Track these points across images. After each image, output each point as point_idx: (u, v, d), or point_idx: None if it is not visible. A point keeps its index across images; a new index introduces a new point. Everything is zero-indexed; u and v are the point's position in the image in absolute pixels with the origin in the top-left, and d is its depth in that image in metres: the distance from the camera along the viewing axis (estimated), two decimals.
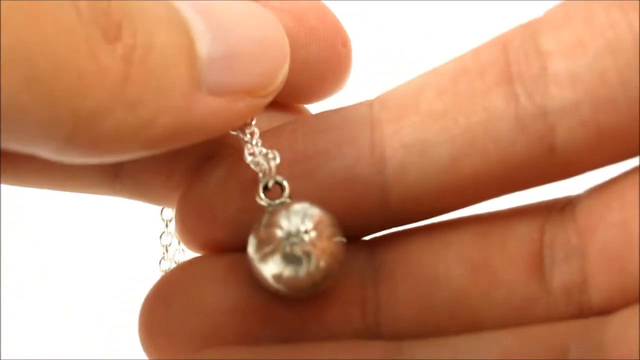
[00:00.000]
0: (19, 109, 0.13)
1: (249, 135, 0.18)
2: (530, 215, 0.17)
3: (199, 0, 0.16)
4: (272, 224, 0.17)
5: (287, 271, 0.17)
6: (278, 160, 0.18)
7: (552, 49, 0.16)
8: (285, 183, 0.18)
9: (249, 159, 0.18)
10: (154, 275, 0.19)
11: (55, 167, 0.18)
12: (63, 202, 0.42)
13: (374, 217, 0.18)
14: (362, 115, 0.18)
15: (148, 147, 0.15)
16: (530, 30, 0.17)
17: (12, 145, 0.14)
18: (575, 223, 0.17)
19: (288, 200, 0.17)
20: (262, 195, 0.18)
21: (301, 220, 0.17)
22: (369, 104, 0.18)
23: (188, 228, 0.19)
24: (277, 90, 0.17)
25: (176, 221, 0.19)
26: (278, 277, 0.17)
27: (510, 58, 0.17)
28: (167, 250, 0.21)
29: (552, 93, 0.16)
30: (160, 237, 0.22)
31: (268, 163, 0.18)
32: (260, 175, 0.18)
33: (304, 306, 0.18)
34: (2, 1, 0.12)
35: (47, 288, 0.42)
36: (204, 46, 0.16)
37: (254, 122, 0.18)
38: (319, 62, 0.19)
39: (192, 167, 0.19)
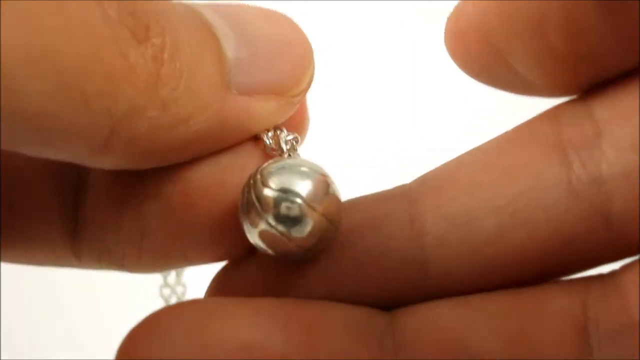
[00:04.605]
0: (51, 114, 0.12)
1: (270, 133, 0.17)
2: (568, 290, 0.16)
3: (219, 3, 0.16)
4: (265, 183, 0.16)
5: (279, 231, 0.15)
6: (290, 137, 0.17)
7: (607, 116, 0.16)
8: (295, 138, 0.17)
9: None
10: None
11: (13, 230, 0.17)
12: None
13: (411, 292, 0.17)
14: (399, 194, 0.17)
15: (185, 149, 0.15)
16: (583, 101, 0.16)
17: (47, 152, 0.13)
18: (623, 299, 0.15)
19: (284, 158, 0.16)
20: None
21: (293, 180, 0.16)
22: (404, 185, 0.17)
23: None
24: (307, 90, 0.17)
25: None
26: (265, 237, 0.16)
27: (562, 127, 0.16)
28: (168, 302, 0.21)
29: (609, 159, 0.15)
30: (160, 289, 0.21)
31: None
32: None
33: None
34: (27, 6, 0.12)
35: (47, 288, 0.41)
36: (229, 47, 0.16)
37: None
38: None
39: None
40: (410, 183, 0.17)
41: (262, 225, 0.15)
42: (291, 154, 0.17)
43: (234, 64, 0.15)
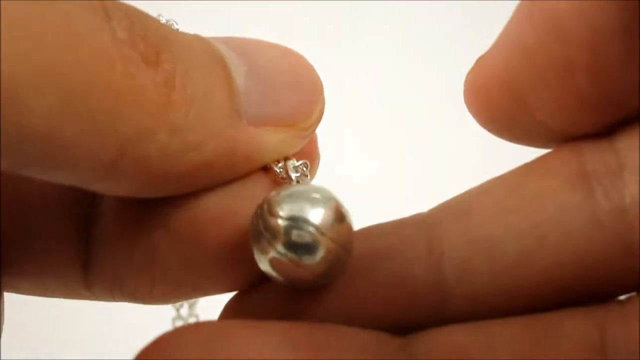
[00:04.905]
0: (58, 132, 0.12)
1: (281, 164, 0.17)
2: (586, 315, 0.16)
3: (229, 37, 0.16)
4: (273, 212, 0.15)
5: (290, 260, 0.15)
6: (299, 163, 0.17)
7: (629, 146, 0.16)
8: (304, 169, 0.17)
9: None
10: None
11: (27, 261, 0.17)
12: None
13: (430, 317, 0.16)
14: (417, 221, 0.17)
15: (194, 177, 0.15)
16: (604, 133, 0.16)
17: (53, 174, 0.13)
18: None
19: (293, 183, 0.16)
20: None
21: (300, 207, 0.15)
22: (422, 212, 0.17)
23: None
24: (316, 124, 0.17)
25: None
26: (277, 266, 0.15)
27: (585, 157, 0.16)
28: None
29: (631, 189, 0.15)
30: (173, 322, 0.21)
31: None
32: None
33: None
34: (35, 21, 0.12)
35: (55, 322, 0.41)
36: (240, 78, 0.16)
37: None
38: None
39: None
40: (429, 211, 0.17)
41: (272, 253, 0.15)
42: (299, 180, 0.17)
43: (244, 95, 0.16)
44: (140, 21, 0.14)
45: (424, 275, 0.16)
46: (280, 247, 0.15)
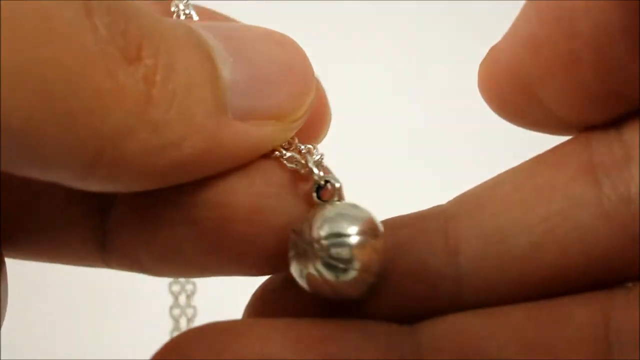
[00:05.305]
0: (36, 130, 0.12)
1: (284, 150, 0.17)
2: (590, 301, 0.16)
3: (218, 24, 0.16)
4: (313, 233, 0.16)
5: (325, 276, 0.16)
6: (317, 157, 0.17)
7: (636, 139, 0.16)
8: (336, 183, 0.16)
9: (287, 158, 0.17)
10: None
11: (42, 240, 0.17)
12: None
13: (446, 307, 0.17)
14: (435, 213, 0.17)
15: (176, 173, 0.15)
16: (613, 125, 0.16)
17: (32, 171, 0.13)
18: None
19: (334, 201, 0.16)
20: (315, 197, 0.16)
21: (342, 225, 0.16)
22: (440, 205, 0.18)
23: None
24: (306, 116, 0.16)
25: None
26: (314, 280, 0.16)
27: (593, 149, 0.16)
28: (178, 322, 0.21)
29: (637, 181, 0.16)
30: (170, 310, 0.21)
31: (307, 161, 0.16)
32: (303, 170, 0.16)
33: None
34: (14, 19, 0.12)
35: (57, 306, 0.41)
36: (226, 70, 0.15)
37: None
38: None
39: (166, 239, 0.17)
40: (446, 203, 0.17)
41: (310, 269, 0.15)
42: (321, 170, 0.16)
43: (230, 87, 0.15)
44: (123, 15, 0.14)
45: (441, 268, 0.16)
46: (319, 266, 0.15)
